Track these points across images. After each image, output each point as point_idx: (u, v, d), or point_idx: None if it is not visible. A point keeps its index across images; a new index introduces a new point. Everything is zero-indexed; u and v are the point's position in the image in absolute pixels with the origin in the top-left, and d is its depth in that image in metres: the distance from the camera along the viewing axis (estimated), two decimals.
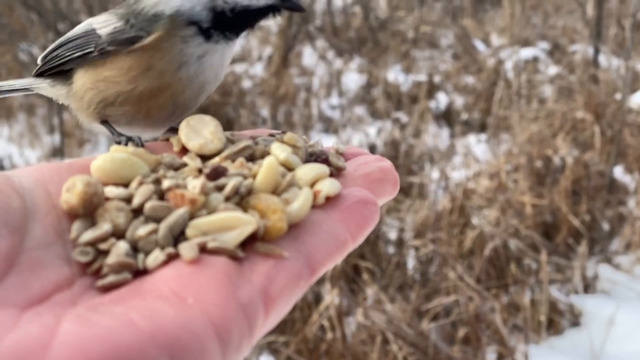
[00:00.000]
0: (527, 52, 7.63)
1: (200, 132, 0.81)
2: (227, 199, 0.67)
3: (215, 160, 0.75)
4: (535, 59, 7.60)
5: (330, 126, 6.44)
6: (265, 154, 0.77)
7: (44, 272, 0.59)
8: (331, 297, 3.43)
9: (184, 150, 0.81)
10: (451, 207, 4.25)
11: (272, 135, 0.84)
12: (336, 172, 0.77)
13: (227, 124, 6.10)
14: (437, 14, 9.69)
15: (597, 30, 6.69)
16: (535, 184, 4.59)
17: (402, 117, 6.42)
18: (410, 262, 4.06)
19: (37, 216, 0.63)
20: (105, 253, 0.62)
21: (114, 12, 0.95)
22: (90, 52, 0.92)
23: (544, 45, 8.05)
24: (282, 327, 3.56)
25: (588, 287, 4.00)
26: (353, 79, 7.36)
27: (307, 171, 0.73)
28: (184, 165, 0.75)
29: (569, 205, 4.35)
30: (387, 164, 0.80)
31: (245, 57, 8.08)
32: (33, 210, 0.63)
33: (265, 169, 0.69)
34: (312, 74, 7.47)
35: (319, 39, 8.66)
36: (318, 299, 3.62)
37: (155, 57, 0.88)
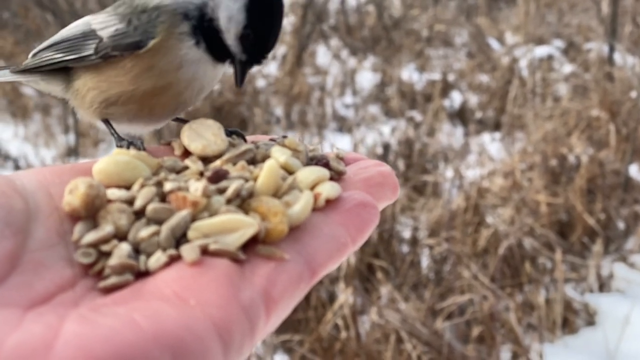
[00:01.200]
0: (541, 50, 7.60)
1: (202, 134, 0.83)
2: (229, 201, 0.67)
3: (217, 163, 0.76)
4: (549, 57, 7.57)
5: (344, 125, 6.44)
6: (266, 157, 0.78)
7: (46, 273, 0.59)
8: (345, 296, 3.44)
9: (186, 154, 0.82)
10: (465, 205, 4.24)
11: (273, 139, 0.86)
12: (336, 177, 0.78)
13: (241, 123, 6.11)
14: (451, 13, 9.66)
15: (612, 28, 6.66)
16: (550, 182, 4.57)
17: (416, 115, 6.41)
18: (425, 261, 4.05)
19: (39, 218, 0.64)
20: (108, 255, 0.63)
21: (113, 11, 0.94)
22: (90, 55, 0.91)
23: (559, 43, 8.02)
24: (297, 326, 3.56)
25: (603, 286, 3.99)
26: (367, 78, 7.36)
27: (308, 174, 0.74)
28: (186, 168, 0.76)
29: (584, 203, 4.34)
30: (387, 168, 0.81)
31: None
32: (36, 212, 0.64)
33: (266, 172, 0.70)
34: (326, 73, 7.47)
35: (332, 38, 8.66)
36: (332, 297, 3.63)
37: (156, 58, 0.89)
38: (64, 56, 0.94)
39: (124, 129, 0.96)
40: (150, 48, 0.88)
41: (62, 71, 0.97)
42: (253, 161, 0.78)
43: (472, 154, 5.58)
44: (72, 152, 5.13)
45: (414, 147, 5.30)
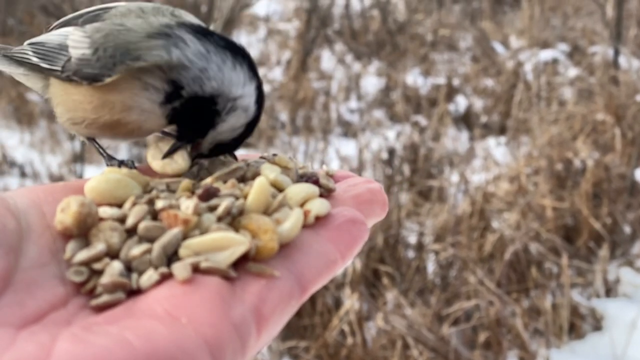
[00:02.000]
0: (546, 54, 7.59)
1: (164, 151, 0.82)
2: (220, 219, 0.68)
3: (208, 181, 0.76)
4: (554, 61, 7.56)
5: (349, 130, 6.44)
6: (256, 174, 0.78)
7: (38, 291, 0.60)
8: (351, 301, 3.43)
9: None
10: (471, 210, 4.24)
11: (263, 157, 0.85)
12: (326, 194, 0.78)
13: None
14: (456, 17, 9.66)
15: (617, 32, 6.65)
16: (555, 187, 4.56)
17: (421, 120, 6.40)
18: (430, 266, 4.05)
19: (31, 237, 0.64)
20: (99, 273, 0.63)
21: (91, 33, 0.88)
22: (58, 70, 0.88)
23: (564, 47, 8.01)
24: (303, 332, 3.56)
25: (610, 290, 3.98)
26: (372, 83, 7.36)
27: (298, 191, 0.74)
28: (177, 186, 0.76)
29: (590, 208, 4.32)
30: (376, 185, 0.81)
31: (264, 62, 8.09)
32: (28, 230, 0.64)
33: (256, 190, 0.70)
34: (330, 78, 7.47)
35: (337, 43, 8.66)
36: (338, 303, 3.62)
37: (114, 94, 0.84)
38: (39, 61, 0.91)
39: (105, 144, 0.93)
40: (106, 83, 0.83)
41: (40, 72, 0.94)
42: (243, 179, 0.78)
43: (477, 159, 5.57)
44: (78, 158, 5.13)
45: (419, 152, 5.30)
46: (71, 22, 0.95)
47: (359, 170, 4.86)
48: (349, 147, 5.54)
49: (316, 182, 0.79)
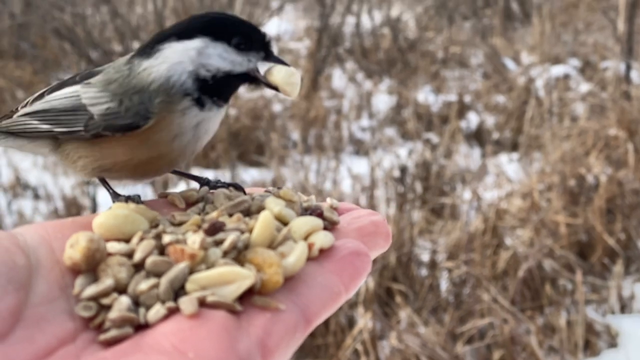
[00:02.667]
0: (557, 70, 7.59)
1: None
2: (225, 253, 0.68)
3: (214, 214, 0.77)
4: (566, 77, 7.55)
5: (361, 148, 6.44)
6: (261, 208, 0.80)
7: (48, 327, 0.61)
8: (364, 320, 3.42)
9: (187, 207, 0.84)
10: (484, 227, 4.22)
11: (268, 191, 0.87)
12: (330, 226, 0.79)
13: (258, 148, 6.13)
14: (466, 34, 9.68)
15: (628, 47, 6.64)
16: (568, 203, 4.54)
17: (433, 137, 6.40)
18: (444, 284, 4.03)
19: (41, 272, 0.65)
20: (108, 308, 0.64)
21: (104, 87, 0.92)
22: (79, 130, 0.90)
23: (575, 62, 8.00)
24: (316, 352, 3.55)
25: (625, 307, 3.95)
26: (383, 101, 7.37)
27: (302, 224, 0.76)
28: (183, 220, 0.76)
29: (603, 224, 4.30)
30: (379, 218, 0.82)
31: None
32: (37, 266, 0.65)
33: (261, 224, 0.71)
34: (342, 96, 7.49)
35: (348, 61, 8.68)
36: (351, 322, 3.61)
37: (151, 133, 0.89)
38: (52, 127, 0.93)
39: (113, 184, 0.96)
40: (146, 127, 0.88)
41: (50, 136, 0.96)
42: (248, 212, 0.79)
43: (489, 175, 5.56)
44: (90, 181, 5.15)
45: (431, 170, 5.29)
46: (64, 85, 0.97)
47: (371, 188, 4.85)
48: (360, 166, 5.54)
49: (320, 215, 0.80)
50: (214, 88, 0.92)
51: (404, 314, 3.63)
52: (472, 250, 4.11)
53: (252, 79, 0.95)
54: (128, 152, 0.90)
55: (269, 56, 0.95)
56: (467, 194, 5.06)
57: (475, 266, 3.98)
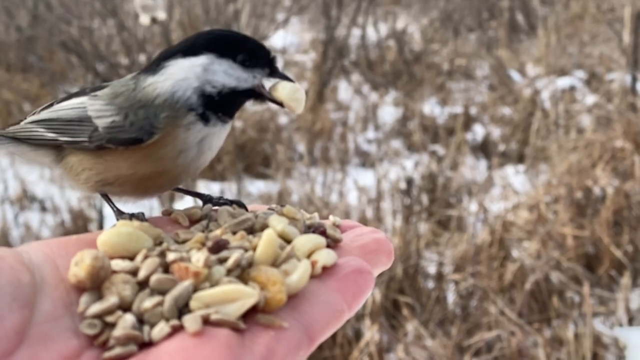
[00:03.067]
0: (563, 82, 7.59)
1: None
2: (229, 271, 0.69)
3: (217, 232, 0.77)
4: (572, 88, 7.55)
5: (367, 160, 6.44)
6: (264, 226, 0.81)
7: (53, 344, 0.61)
8: (371, 333, 3.42)
9: (190, 224, 0.84)
10: (490, 240, 4.22)
11: (271, 209, 0.88)
12: (333, 244, 0.80)
13: (264, 160, 6.13)
14: (472, 46, 9.68)
15: (634, 58, 6.64)
16: (575, 215, 4.53)
17: (439, 149, 6.40)
18: (450, 297, 4.02)
19: (46, 290, 0.65)
20: (112, 325, 0.65)
21: (110, 100, 0.94)
22: (84, 141, 0.92)
23: (581, 74, 7.99)
24: None
25: (632, 319, 3.93)
26: (389, 113, 7.37)
27: (305, 242, 0.76)
28: (187, 238, 0.77)
29: (610, 236, 4.29)
30: (382, 235, 0.83)
31: None
32: (42, 284, 0.66)
33: (265, 242, 0.71)
34: (347, 109, 7.49)
35: (354, 74, 8.69)
36: (358, 335, 3.61)
37: (155, 148, 0.91)
38: (57, 136, 0.95)
39: (115, 200, 0.97)
40: (150, 142, 0.90)
41: (54, 146, 0.98)
42: (252, 230, 0.80)
43: (496, 187, 5.55)
44: (92, 196, 5.16)
45: (438, 182, 5.29)
46: (73, 97, 0.99)
47: (377, 200, 4.85)
48: (366, 178, 5.54)
49: (323, 232, 0.80)
50: (220, 104, 0.93)
51: (411, 326, 3.63)
52: (478, 262, 4.10)
53: (257, 94, 0.96)
54: (131, 166, 0.91)
55: (273, 72, 0.96)
56: (473, 206, 5.05)
57: (482, 278, 3.97)
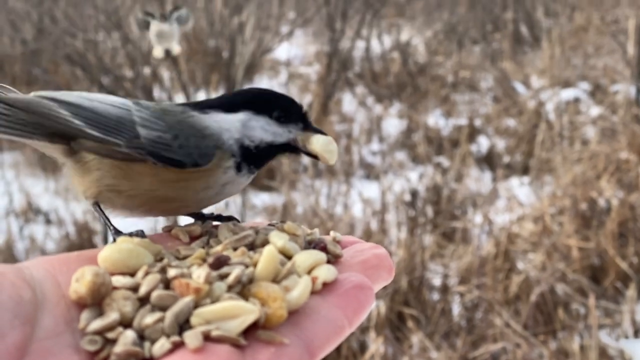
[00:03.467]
0: (568, 93, 7.59)
1: None
2: (230, 287, 0.69)
3: (218, 248, 0.77)
4: (576, 100, 7.55)
5: (371, 172, 6.44)
6: (265, 242, 0.81)
7: None
8: (376, 345, 3.41)
9: (190, 240, 0.85)
10: (495, 251, 4.21)
11: (272, 224, 0.89)
12: (333, 260, 0.80)
13: (269, 173, 6.13)
14: (476, 58, 9.69)
15: (638, 70, 6.64)
16: (580, 226, 4.53)
17: (444, 161, 6.40)
18: (456, 309, 4.02)
19: (47, 306, 0.66)
20: (113, 342, 0.64)
21: (159, 115, 0.93)
22: (118, 143, 0.88)
23: (585, 86, 7.99)
24: None
25: (638, 331, 3.92)
26: (393, 125, 7.37)
27: (305, 258, 0.77)
28: (188, 254, 0.77)
29: (616, 247, 4.28)
30: (382, 251, 0.83)
31: None
32: (43, 300, 0.66)
33: (265, 258, 0.71)
34: (352, 121, 7.50)
35: (358, 86, 8.70)
36: (363, 347, 3.60)
37: (190, 176, 0.91)
38: (86, 127, 0.89)
39: (108, 211, 0.95)
40: (188, 170, 0.90)
41: (71, 135, 0.91)
42: (252, 246, 0.80)
43: (500, 199, 5.54)
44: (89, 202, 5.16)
45: (442, 193, 5.29)
46: (73, 107, 0.91)
47: (382, 212, 4.85)
48: (371, 190, 5.54)
49: (323, 248, 0.80)
50: (256, 156, 0.97)
51: (416, 338, 3.62)
52: (483, 274, 4.10)
53: (293, 148, 1.00)
54: (155, 184, 0.89)
55: (307, 127, 1.01)
56: (478, 218, 5.04)
57: (487, 290, 3.96)
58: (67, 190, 5.90)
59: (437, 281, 4.23)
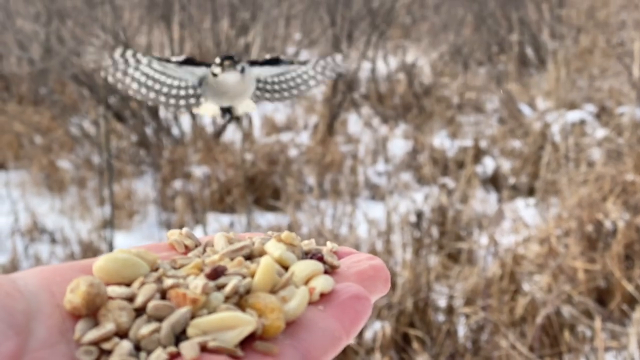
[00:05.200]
0: (573, 115, 7.58)
1: None
2: (227, 298, 0.68)
3: (215, 258, 0.77)
4: (582, 122, 7.54)
5: (377, 193, 6.44)
6: (262, 252, 0.80)
7: None
8: None
9: (186, 250, 0.84)
10: (501, 273, 4.20)
11: (268, 235, 0.88)
12: (330, 270, 0.79)
13: (274, 193, 6.14)
14: (482, 79, 9.71)
15: None
16: (586, 248, 4.51)
17: (449, 182, 6.39)
18: (461, 330, 4.00)
19: (41, 317, 0.64)
20: (109, 352, 0.63)
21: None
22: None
23: (591, 108, 7.99)
24: None
25: None
26: (399, 145, 7.37)
27: (303, 268, 0.76)
28: (184, 264, 0.76)
29: (622, 270, 4.27)
30: (379, 262, 0.81)
31: (291, 126, 8.16)
32: (37, 311, 0.65)
33: (263, 269, 0.71)
34: (357, 141, 7.51)
35: (364, 107, 8.72)
36: None
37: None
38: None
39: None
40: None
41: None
42: (250, 256, 0.79)
43: (506, 220, 5.53)
44: (108, 224, 5.16)
45: (448, 214, 5.28)
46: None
47: (387, 233, 4.84)
48: (376, 211, 5.53)
49: (321, 258, 0.80)
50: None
51: (422, 359, 3.60)
52: (489, 295, 4.08)
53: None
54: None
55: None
56: (483, 239, 5.03)
57: (493, 312, 3.95)
58: (72, 209, 5.91)
59: (442, 302, 4.21)
